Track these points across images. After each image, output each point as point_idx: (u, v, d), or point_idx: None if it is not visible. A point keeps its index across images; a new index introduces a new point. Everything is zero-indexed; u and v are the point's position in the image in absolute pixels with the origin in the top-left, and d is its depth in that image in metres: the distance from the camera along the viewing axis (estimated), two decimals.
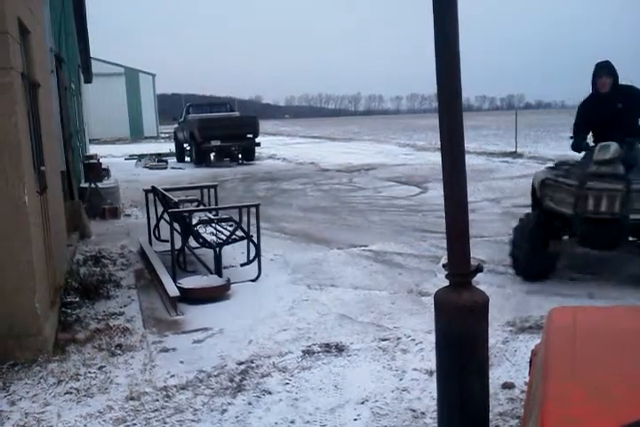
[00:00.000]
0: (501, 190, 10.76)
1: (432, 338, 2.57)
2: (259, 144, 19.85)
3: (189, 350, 3.89)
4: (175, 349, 3.92)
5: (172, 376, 3.49)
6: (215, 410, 3.09)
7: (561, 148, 16.31)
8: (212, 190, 6.98)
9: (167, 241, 5.65)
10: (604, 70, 5.25)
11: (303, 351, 3.81)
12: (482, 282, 4.56)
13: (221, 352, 3.84)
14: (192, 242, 5.78)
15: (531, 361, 2.12)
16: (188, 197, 7.07)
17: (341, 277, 5.52)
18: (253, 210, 5.66)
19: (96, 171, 9.95)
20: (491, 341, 2.56)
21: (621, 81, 5.31)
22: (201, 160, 18.85)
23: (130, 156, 22.04)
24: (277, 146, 27.17)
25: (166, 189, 6.62)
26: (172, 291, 4.78)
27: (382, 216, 8.60)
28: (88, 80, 21.18)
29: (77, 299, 4.88)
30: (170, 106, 49.27)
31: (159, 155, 20.84)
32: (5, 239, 3.64)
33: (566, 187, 4.88)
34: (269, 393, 3.26)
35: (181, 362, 3.70)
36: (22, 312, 3.71)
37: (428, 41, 2.29)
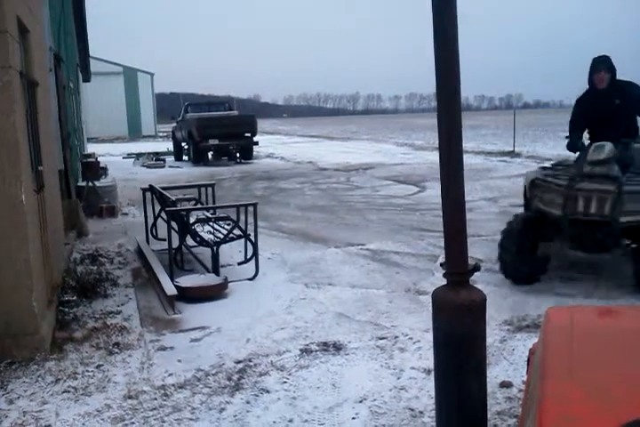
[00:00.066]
0: (499, 190, 10.77)
1: (430, 337, 2.58)
2: (257, 143, 19.83)
3: (187, 349, 3.89)
4: (173, 347, 3.92)
5: (170, 375, 3.49)
6: (213, 409, 3.09)
7: (559, 147, 16.31)
8: (210, 189, 6.97)
9: (165, 240, 5.65)
10: (602, 65, 5.11)
11: (301, 350, 3.81)
12: (479, 281, 4.57)
13: (219, 351, 3.84)
14: (189, 241, 5.78)
15: (528, 360, 2.13)
16: (186, 196, 7.07)
17: (339, 275, 5.52)
18: (251, 209, 5.66)
19: (94, 169, 9.94)
20: (488, 340, 2.57)
21: (620, 78, 5.19)
22: (199, 159, 18.84)
23: (128, 154, 21.98)
24: (275, 145, 27.16)
25: (164, 188, 6.62)
26: (170, 289, 4.77)
27: (380, 215, 8.60)
28: (86, 79, 21.12)
29: (75, 297, 4.88)
30: (168, 105, 49.23)
31: (157, 154, 20.79)
32: (2, 238, 3.64)
33: (556, 187, 4.77)
34: (267, 392, 3.26)
35: (179, 361, 3.70)
36: (19, 311, 3.70)
37: (428, 41, 2.29)
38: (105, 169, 11.75)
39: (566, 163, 5.51)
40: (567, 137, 5.41)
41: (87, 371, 3.56)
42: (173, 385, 3.35)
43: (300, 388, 3.30)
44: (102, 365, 3.64)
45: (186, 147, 20.38)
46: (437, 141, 2.31)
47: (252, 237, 5.55)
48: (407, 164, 16.47)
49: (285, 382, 3.38)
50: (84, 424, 2.97)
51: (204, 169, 17.08)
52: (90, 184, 9.21)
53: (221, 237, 5.49)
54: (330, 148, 24.90)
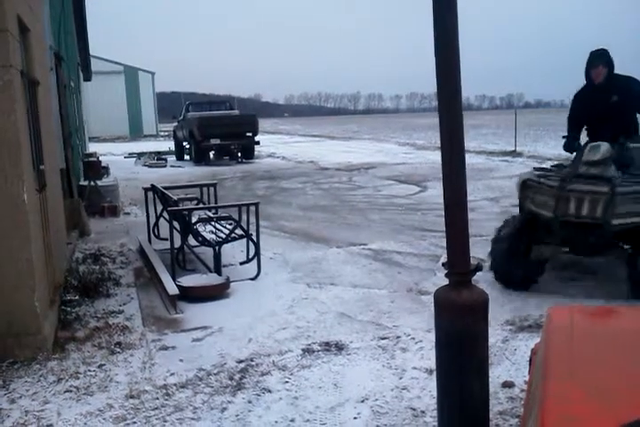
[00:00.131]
0: (501, 189, 10.76)
1: (432, 337, 2.58)
2: (258, 142, 19.83)
3: (189, 349, 3.89)
4: (175, 347, 3.92)
5: (172, 374, 3.50)
6: (215, 408, 3.09)
7: (560, 147, 16.28)
8: (212, 189, 6.97)
9: (166, 239, 5.65)
10: (599, 60, 4.92)
11: (303, 350, 3.81)
12: (481, 281, 4.57)
13: (221, 351, 3.84)
14: (191, 240, 5.78)
15: (530, 360, 2.12)
16: (188, 196, 7.08)
17: (341, 275, 5.52)
18: (253, 208, 5.65)
19: (95, 169, 9.94)
20: (490, 340, 2.57)
21: (619, 73, 5.01)
22: (200, 158, 18.84)
23: (129, 154, 22.00)
24: (277, 144, 27.15)
25: (166, 188, 6.62)
26: (172, 289, 4.78)
27: (382, 215, 8.60)
28: (87, 78, 21.15)
29: (77, 297, 4.88)
30: (169, 104, 49.28)
31: (158, 153, 20.80)
32: (4, 237, 3.64)
33: (547, 188, 4.60)
34: (269, 392, 3.26)
35: (181, 360, 3.70)
36: (21, 310, 3.71)
37: (428, 40, 2.30)
38: (107, 168, 11.75)
39: (566, 164, 5.37)
40: (564, 137, 5.30)
41: (89, 370, 3.56)
42: (175, 385, 3.36)
43: (301, 388, 3.30)
44: (104, 364, 3.64)
45: (187, 146, 20.38)
46: (439, 141, 2.31)
47: (254, 237, 5.55)
48: (409, 163, 16.46)
49: (287, 381, 3.38)
50: (85, 424, 2.97)
51: (206, 168, 17.08)
52: (92, 183, 9.22)
53: (223, 236, 5.49)
54: (331, 147, 24.89)
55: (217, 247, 5.39)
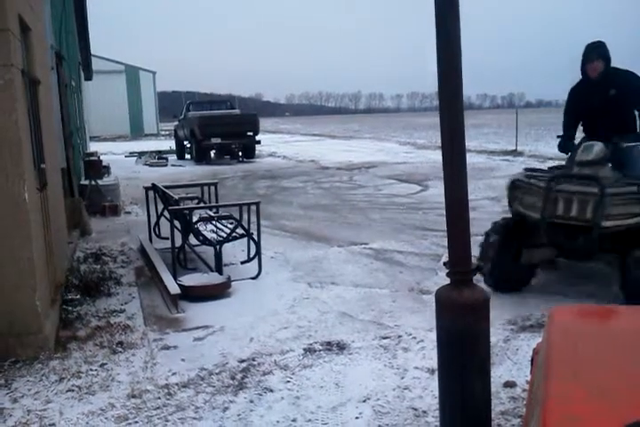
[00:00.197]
0: (502, 189, 10.63)
1: (433, 336, 2.57)
2: (259, 142, 19.83)
3: (190, 348, 3.89)
4: (176, 346, 3.92)
5: (174, 374, 3.50)
6: (217, 408, 3.09)
7: None
8: (213, 188, 6.97)
9: (167, 238, 5.65)
10: (595, 54, 4.72)
11: (304, 349, 3.81)
12: (483, 280, 4.57)
13: (222, 350, 3.84)
14: (192, 239, 5.78)
15: (532, 360, 2.12)
16: (189, 195, 7.08)
17: (342, 275, 5.52)
18: (254, 208, 5.65)
19: (96, 168, 9.96)
20: (492, 339, 2.57)
21: (617, 66, 4.81)
22: (201, 158, 18.85)
23: (130, 153, 22.01)
24: (278, 144, 27.15)
25: (166, 187, 6.62)
26: (173, 288, 4.78)
27: (383, 214, 8.60)
28: (88, 77, 21.17)
29: (78, 296, 4.88)
30: (170, 103, 49.32)
31: (159, 152, 20.82)
32: (5, 237, 3.64)
33: (536, 189, 4.42)
34: (271, 391, 3.26)
35: (182, 360, 3.70)
36: (23, 310, 3.71)
37: (429, 40, 2.29)
38: (107, 168, 11.77)
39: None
40: (559, 137, 5.14)
41: (91, 370, 3.56)
42: (177, 384, 3.36)
43: (303, 387, 3.30)
44: (106, 364, 3.64)
45: (188, 145, 20.38)
46: (440, 140, 2.30)
47: (255, 236, 5.55)
48: (410, 162, 16.45)
49: (289, 381, 3.38)
50: (87, 423, 2.98)
51: (207, 168, 17.08)
52: (93, 183, 9.22)
53: (224, 235, 5.49)
54: (332, 146, 24.89)
55: (218, 246, 5.39)
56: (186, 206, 6.00)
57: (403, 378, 3.38)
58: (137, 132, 40.06)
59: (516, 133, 19.46)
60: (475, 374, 2.26)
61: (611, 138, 4.54)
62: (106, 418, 3.01)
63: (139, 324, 4.33)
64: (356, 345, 3.86)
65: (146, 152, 20.63)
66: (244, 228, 5.50)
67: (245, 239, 5.61)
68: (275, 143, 27.02)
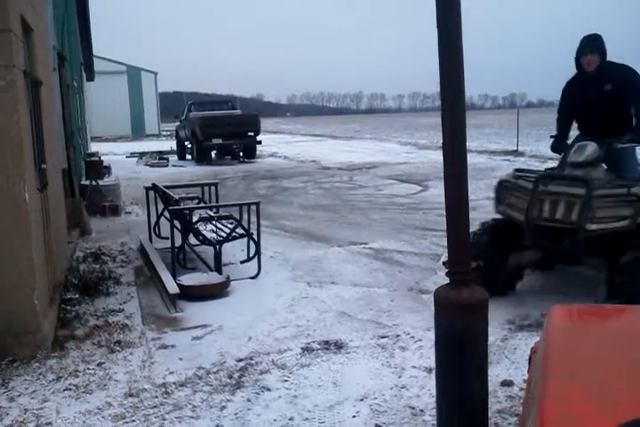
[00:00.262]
0: None
1: (431, 336, 2.57)
2: (260, 142, 19.83)
3: (188, 347, 3.89)
4: (174, 345, 3.92)
5: (171, 373, 3.49)
6: (214, 407, 3.09)
7: None
8: (213, 188, 6.97)
9: (167, 238, 5.65)
10: (590, 46, 4.53)
11: (302, 348, 3.81)
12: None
13: (220, 349, 3.84)
14: (192, 239, 5.78)
15: (530, 359, 2.12)
16: (189, 195, 7.08)
17: (341, 274, 5.52)
18: (254, 208, 5.65)
19: (97, 168, 9.95)
20: (490, 338, 2.56)
21: (613, 60, 4.65)
22: (202, 158, 18.85)
23: (131, 153, 22.04)
24: (279, 144, 27.16)
25: (167, 187, 6.63)
26: (172, 288, 4.78)
27: (383, 214, 8.59)
28: (90, 78, 21.20)
29: (77, 296, 4.88)
30: (171, 104, 49.41)
31: (160, 153, 20.83)
32: (5, 236, 3.64)
33: (522, 190, 4.28)
34: (268, 390, 3.26)
35: (180, 359, 3.70)
36: (21, 309, 3.71)
37: (430, 40, 2.29)
38: (108, 168, 11.77)
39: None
40: (552, 136, 4.97)
41: (88, 369, 3.56)
42: (174, 383, 3.35)
43: (300, 386, 3.30)
44: (104, 363, 3.64)
45: (189, 146, 20.40)
46: (441, 141, 2.30)
47: (255, 236, 5.55)
48: (410, 163, 16.45)
49: (286, 380, 3.38)
50: (84, 422, 2.97)
51: (208, 168, 17.09)
52: (93, 183, 9.23)
53: (224, 235, 5.49)
54: (333, 147, 24.89)
55: (217, 246, 5.39)
56: (186, 206, 6.00)
57: (400, 377, 3.37)
58: (138, 132, 40.10)
59: (517, 134, 19.44)
60: (472, 373, 2.26)
61: (606, 135, 4.42)
62: (103, 417, 3.01)
63: (137, 323, 4.33)
64: (354, 344, 3.86)
65: (147, 153, 20.65)
66: (243, 228, 5.50)
67: (245, 239, 5.61)
68: (276, 143, 27.03)
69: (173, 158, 20.20)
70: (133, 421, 2.96)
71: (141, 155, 20.20)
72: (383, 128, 42.38)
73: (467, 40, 2.24)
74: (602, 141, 4.31)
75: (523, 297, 4.69)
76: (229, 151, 19.22)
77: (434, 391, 2.45)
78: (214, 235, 5.56)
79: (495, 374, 3.28)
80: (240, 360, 3.65)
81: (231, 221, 5.72)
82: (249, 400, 3.15)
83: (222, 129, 18.49)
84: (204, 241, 5.50)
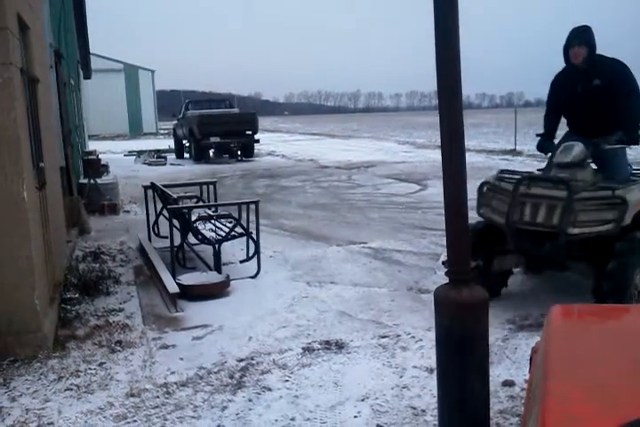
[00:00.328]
0: None
1: (432, 335, 2.58)
2: (258, 141, 19.81)
3: (189, 347, 3.89)
4: (175, 345, 3.92)
5: (172, 373, 3.49)
6: (215, 407, 3.09)
7: None
8: (212, 187, 6.97)
9: (166, 237, 5.65)
10: (578, 38, 4.31)
11: (303, 348, 3.81)
12: None
13: (221, 349, 3.84)
14: (191, 238, 5.78)
15: (531, 359, 2.12)
16: (188, 194, 7.07)
17: (341, 274, 5.52)
18: (253, 207, 5.65)
19: (95, 167, 9.93)
20: (491, 338, 2.57)
21: (603, 54, 4.41)
22: (200, 157, 18.83)
23: (129, 152, 21.99)
24: (276, 143, 27.14)
25: (165, 186, 6.62)
26: (172, 287, 4.77)
27: (381, 213, 8.60)
28: (87, 76, 21.15)
29: (77, 295, 4.88)
30: (169, 102, 49.27)
31: (158, 151, 20.79)
32: (4, 235, 3.64)
33: (503, 192, 4.16)
34: (269, 390, 3.26)
35: (181, 359, 3.70)
36: (21, 309, 3.70)
37: (428, 39, 2.29)
38: (106, 166, 11.74)
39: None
40: (538, 135, 4.76)
41: (89, 369, 3.56)
42: (175, 383, 3.36)
43: (302, 386, 3.30)
44: (105, 362, 3.64)
45: (187, 144, 20.37)
46: (439, 140, 2.31)
47: (254, 235, 5.55)
48: (409, 162, 16.45)
49: (287, 380, 3.38)
50: (86, 422, 2.97)
51: (206, 167, 17.07)
52: (91, 181, 9.21)
53: (223, 234, 5.49)
54: (331, 145, 24.88)
55: (217, 245, 5.39)
56: (185, 205, 6.00)
57: (401, 377, 3.38)
58: (136, 130, 40.01)
59: (515, 133, 19.46)
60: (473, 373, 2.26)
61: (595, 132, 4.30)
62: (104, 417, 3.01)
63: (137, 323, 4.33)
64: (355, 344, 3.86)
65: (145, 151, 20.62)
66: (242, 227, 5.50)
67: (244, 238, 5.61)
68: (274, 142, 27.01)
69: (171, 157, 20.17)
70: (135, 421, 2.97)
71: (139, 153, 20.17)
72: (381, 127, 42.37)
73: (464, 39, 2.24)
74: (589, 141, 4.19)
75: (523, 297, 4.70)
76: (227, 150, 19.20)
77: (435, 391, 2.45)
78: (213, 234, 5.55)
79: (496, 374, 3.28)
80: (241, 360, 3.65)
81: (230, 220, 5.72)
82: (250, 400, 3.15)
83: (220, 127, 18.46)
84: (204, 240, 5.50)
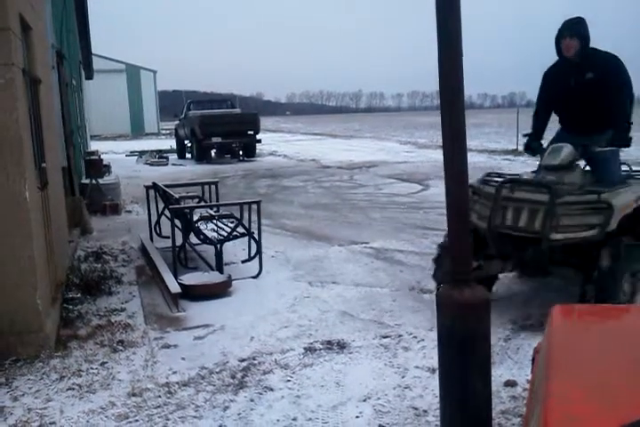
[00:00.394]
0: None
1: (434, 335, 2.58)
2: (259, 141, 19.82)
3: (191, 347, 3.89)
4: (177, 345, 3.92)
5: (174, 373, 3.50)
6: (217, 407, 3.09)
7: None
8: (213, 187, 6.97)
9: (168, 237, 5.65)
10: (570, 30, 4.12)
11: (305, 348, 3.81)
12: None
13: (223, 349, 3.84)
14: (193, 238, 5.78)
15: (533, 359, 2.12)
16: (189, 194, 7.07)
17: (342, 274, 5.52)
18: (254, 207, 5.65)
19: (97, 167, 9.94)
20: (493, 338, 2.57)
21: (597, 48, 4.23)
22: (202, 157, 18.84)
23: (131, 152, 22.01)
24: (278, 143, 27.14)
25: (167, 186, 6.63)
26: (174, 287, 4.78)
27: (383, 213, 8.59)
28: (89, 76, 21.19)
29: (79, 295, 4.88)
30: (171, 102, 49.26)
31: (160, 151, 20.81)
32: (6, 235, 3.64)
33: (486, 196, 4.06)
34: (271, 390, 3.26)
35: (183, 358, 3.70)
36: (24, 309, 3.71)
37: (429, 39, 2.29)
38: (108, 167, 11.75)
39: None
40: (525, 135, 4.59)
41: (91, 368, 3.56)
42: (177, 383, 3.36)
43: (303, 386, 3.30)
44: (106, 362, 3.65)
45: (189, 144, 20.38)
46: (441, 140, 2.30)
47: (256, 235, 5.55)
48: (410, 162, 16.45)
49: (289, 380, 3.38)
50: (88, 422, 2.98)
51: (208, 167, 17.08)
52: (93, 182, 9.23)
53: (225, 234, 5.49)
54: (333, 145, 24.88)
55: (219, 245, 5.39)
56: (186, 205, 6.00)
57: (403, 377, 3.38)
58: (138, 131, 40.04)
59: (517, 133, 19.42)
60: (475, 373, 2.26)
61: (587, 129, 4.20)
62: (106, 417, 3.01)
63: (139, 322, 4.33)
64: (357, 344, 3.86)
65: (146, 151, 20.63)
66: (244, 227, 5.50)
67: (246, 238, 5.61)
68: (275, 142, 27.01)
69: (173, 157, 20.18)
70: (137, 420, 2.97)
71: (141, 153, 20.18)
72: (383, 127, 42.37)
73: (466, 39, 2.24)
74: (579, 143, 4.05)
75: (525, 297, 4.70)
76: (229, 150, 19.20)
77: (437, 391, 2.45)
78: (215, 234, 5.56)
79: (498, 374, 3.28)
80: (243, 360, 3.66)
81: (232, 220, 5.72)
82: (252, 400, 3.15)
83: (222, 128, 18.47)
84: (205, 240, 5.50)
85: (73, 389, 3.31)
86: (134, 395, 3.22)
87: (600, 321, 2.06)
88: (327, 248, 6.52)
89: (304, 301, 4.78)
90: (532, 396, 1.76)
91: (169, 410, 3.06)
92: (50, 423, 2.97)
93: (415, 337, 3.94)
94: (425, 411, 3.00)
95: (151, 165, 17.87)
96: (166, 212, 6.18)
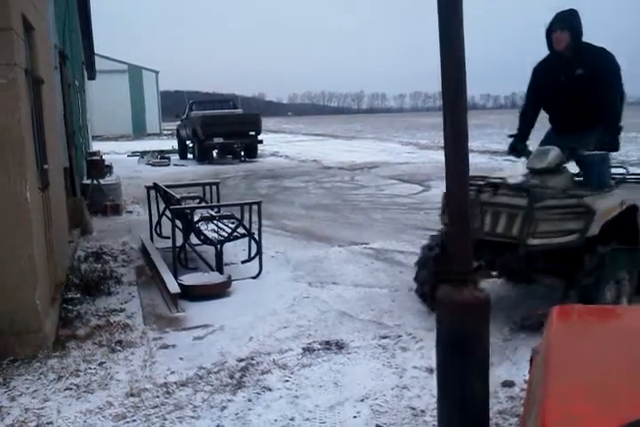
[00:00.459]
0: None
1: (432, 336, 2.57)
2: (261, 141, 19.83)
3: (189, 347, 3.89)
4: (175, 345, 3.92)
5: (172, 373, 3.49)
6: (215, 407, 3.09)
7: None
8: (214, 187, 6.97)
9: (168, 238, 5.65)
10: (561, 23, 3.95)
11: (303, 349, 3.81)
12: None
13: (221, 349, 3.84)
14: (193, 239, 5.78)
15: (531, 360, 2.11)
16: (190, 194, 7.07)
17: (342, 274, 5.52)
18: (255, 207, 5.65)
19: (98, 167, 9.95)
20: (491, 339, 2.56)
21: (590, 42, 4.07)
22: (203, 157, 18.86)
23: (132, 152, 22.04)
24: (280, 143, 27.15)
25: (168, 186, 6.63)
26: (173, 288, 4.78)
27: (384, 214, 8.59)
28: (91, 77, 21.22)
29: (78, 295, 4.88)
30: (173, 103, 49.42)
31: (162, 152, 20.83)
32: (7, 235, 3.65)
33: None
34: (269, 390, 3.26)
35: (181, 359, 3.70)
36: (23, 309, 3.71)
37: (431, 39, 2.29)
38: (110, 167, 11.76)
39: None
40: (510, 136, 4.43)
41: (89, 368, 3.56)
42: (175, 383, 3.35)
43: (301, 386, 3.30)
44: (105, 362, 3.64)
45: (190, 145, 20.40)
46: (442, 141, 2.30)
47: (256, 236, 5.55)
48: (412, 163, 16.44)
49: (287, 380, 3.38)
50: (85, 422, 2.97)
51: (209, 167, 17.09)
52: (94, 182, 9.23)
53: (225, 235, 5.49)
54: (334, 146, 24.88)
55: (219, 246, 5.39)
56: (187, 206, 6.00)
57: (401, 377, 3.37)
58: (139, 131, 40.08)
59: None
60: (473, 373, 2.25)
61: (577, 126, 4.09)
62: (104, 417, 3.01)
63: (138, 323, 4.33)
64: (355, 344, 3.86)
65: (148, 152, 20.65)
66: (245, 227, 5.50)
67: (246, 239, 5.61)
68: (277, 143, 27.03)
69: (175, 158, 20.20)
70: (134, 420, 2.96)
71: (143, 154, 20.20)
72: (384, 128, 42.37)
73: (468, 39, 2.23)
74: (568, 144, 3.95)
75: (524, 297, 4.68)
76: (231, 150, 19.22)
77: (435, 392, 2.44)
78: (215, 234, 5.56)
79: (497, 374, 3.27)
80: (241, 360, 3.65)
81: (232, 220, 5.72)
82: (250, 400, 3.15)
83: (223, 128, 18.49)
84: (206, 241, 5.50)
85: (70, 389, 3.31)
86: (132, 395, 3.21)
87: (599, 322, 2.05)
88: (327, 249, 6.52)
89: (303, 301, 4.77)
90: (529, 396, 1.76)
91: (166, 410, 3.06)
92: (47, 423, 2.96)
93: (414, 337, 3.94)
94: (422, 411, 2.99)
95: (153, 165, 17.89)
96: (167, 212, 6.18)
